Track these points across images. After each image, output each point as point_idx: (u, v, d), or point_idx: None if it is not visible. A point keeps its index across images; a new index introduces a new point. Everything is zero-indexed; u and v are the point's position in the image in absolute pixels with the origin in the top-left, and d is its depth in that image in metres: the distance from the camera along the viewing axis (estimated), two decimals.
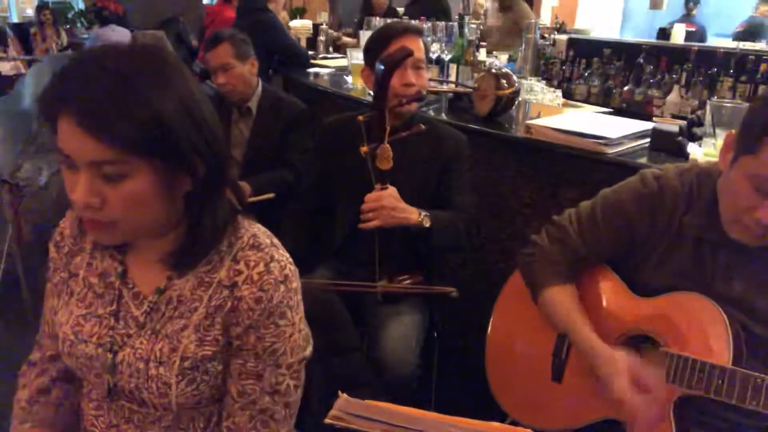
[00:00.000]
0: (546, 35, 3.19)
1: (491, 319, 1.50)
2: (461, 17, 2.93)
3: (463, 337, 2.10)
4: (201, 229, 0.89)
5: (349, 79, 3.22)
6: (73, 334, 0.95)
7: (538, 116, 2.14)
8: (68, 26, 7.90)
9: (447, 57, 2.76)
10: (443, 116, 2.36)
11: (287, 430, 0.97)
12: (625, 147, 1.82)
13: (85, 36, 7.10)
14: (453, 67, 2.82)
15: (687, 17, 5.56)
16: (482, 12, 4.31)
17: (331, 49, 4.50)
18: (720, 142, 1.64)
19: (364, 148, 1.58)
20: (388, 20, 3.41)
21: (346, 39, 4.66)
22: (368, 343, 1.72)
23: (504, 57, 3.13)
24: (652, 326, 1.23)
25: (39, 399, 1.04)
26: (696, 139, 1.84)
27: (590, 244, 1.31)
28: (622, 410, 1.20)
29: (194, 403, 0.93)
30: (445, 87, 2.68)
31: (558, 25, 3.53)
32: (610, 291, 1.32)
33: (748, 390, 1.06)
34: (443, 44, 2.75)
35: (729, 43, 3.82)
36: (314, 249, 1.90)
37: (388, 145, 1.56)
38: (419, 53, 1.70)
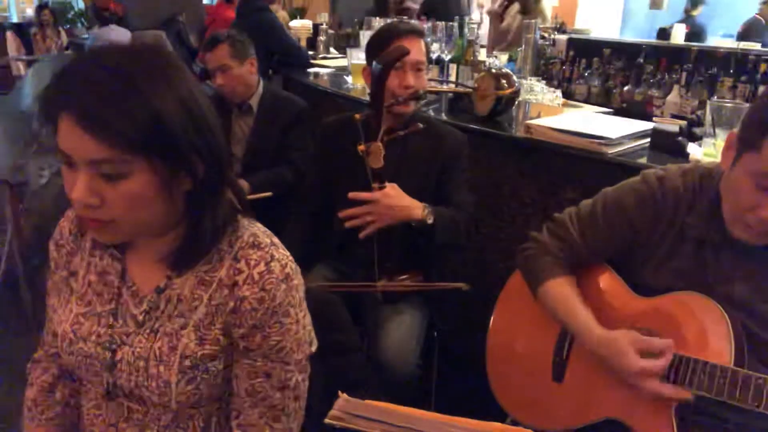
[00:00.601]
0: (546, 35, 3.19)
1: (491, 319, 1.50)
2: (461, 17, 2.93)
3: (463, 337, 2.09)
4: (201, 228, 0.89)
5: (349, 79, 3.22)
6: (72, 332, 0.95)
7: (538, 116, 2.14)
8: (68, 26, 7.91)
9: (447, 57, 2.76)
10: (443, 116, 2.36)
11: (298, 422, 0.98)
12: (625, 147, 1.82)
13: (85, 36, 7.10)
14: (453, 67, 2.82)
15: (688, 18, 5.55)
16: (482, 12, 4.31)
17: (331, 49, 4.49)
18: (720, 142, 1.64)
19: (360, 147, 1.59)
20: (388, 20, 3.41)
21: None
22: (368, 343, 1.73)
23: (504, 57, 3.13)
24: (654, 326, 1.23)
25: (45, 398, 1.06)
26: (696, 139, 1.84)
27: (590, 242, 1.31)
28: (627, 409, 1.20)
29: (194, 402, 0.93)
30: (445, 87, 2.68)
31: (558, 25, 3.53)
32: (611, 290, 1.32)
33: (749, 391, 1.06)
34: (443, 44, 2.75)
35: (729, 43, 3.83)
36: (314, 248, 1.90)
37: (380, 144, 1.57)
38: (419, 55, 1.70)
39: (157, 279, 0.94)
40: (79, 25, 8.23)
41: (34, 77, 4.40)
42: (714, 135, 1.72)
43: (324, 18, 5.31)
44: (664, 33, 4.34)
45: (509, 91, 2.20)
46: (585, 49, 2.96)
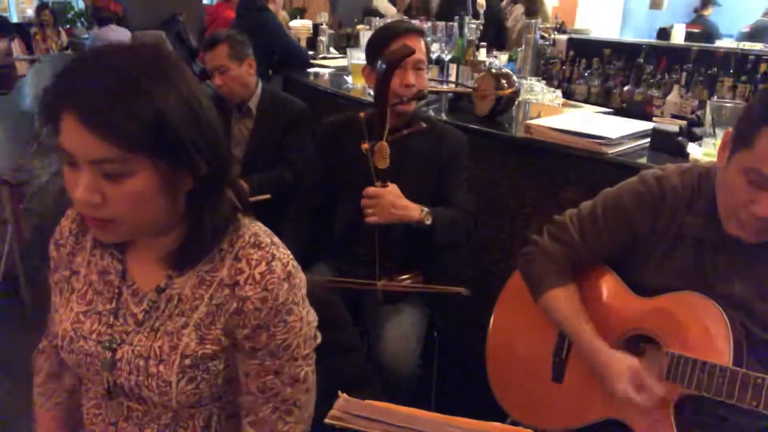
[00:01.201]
0: (546, 35, 3.19)
1: (492, 319, 1.50)
2: (461, 17, 2.92)
3: (463, 337, 2.10)
4: (202, 227, 0.89)
5: (349, 79, 3.22)
6: (72, 331, 0.95)
7: (538, 116, 2.14)
8: (68, 26, 7.91)
9: (447, 57, 2.76)
10: (443, 116, 2.36)
11: (309, 413, 0.99)
12: (625, 147, 1.82)
13: (85, 36, 7.10)
14: (453, 67, 2.82)
15: (699, 18, 5.53)
16: (482, 12, 4.30)
17: (331, 49, 4.49)
18: (720, 142, 1.64)
19: (365, 145, 1.59)
20: (388, 20, 3.41)
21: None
22: (368, 342, 1.73)
23: (504, 57, 3.13)
24: (653, 326, 1.23)
25: (52, 383, 1.09)
26: (696, 139, 1.84)
27: (591, 243, 1.31)
28: (627, 409, 1.20)
29: (194, 401, 0.93)
30: (445, 87, 2.68)
31: (558, 25, 3.53)
32: (610, 291, 1.32)
33: (748, 390, 1.06)
34: (443, 44, 2.75)
35: (729, 43, 3.83)
36: (314, 247, 1.90)
37: (386, 144, 1.57)
38: (420, 54, 1.70)
39: (157, 278, 0.94)
40: (79, 25, 8.23)
41: (34, 77, 4.41)
42: (714, 135, 1.72)
43: (324, 18, 5.31)
44: (664, 33, 4.34)
45: (509, 91, 2.20)
46: (585, 49, 2.96)
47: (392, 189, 1.62)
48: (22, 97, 4.04)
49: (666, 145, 1.81)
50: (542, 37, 3.11)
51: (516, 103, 2.30)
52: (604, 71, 2.79)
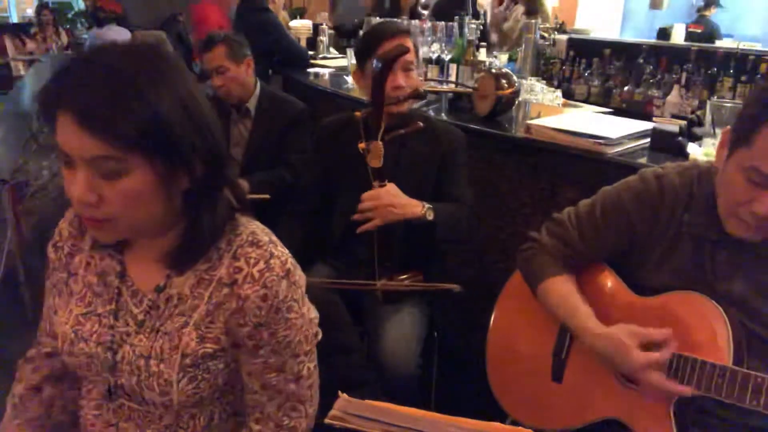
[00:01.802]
0: (546, 35, 3.19)
1: (491, 319, 1.50)
2: (461, 17, 2.92)
3: (463, 337, 2.10)
4: (199, 227, 0.89)
5: (349, 79, 3.22)
6: (73, 333, 0.95)
7: (538, 116, 2.14)
8: (68, 26, 7.91)
9: (447, 57, 2.76)
10: (443, 116, 2.36)
11: (314, 408, 1.00)
12: (625, 147, 1.82)
13: (85, 36, 7.10)
14: (453, 67, 2.82)
15: (701, 18, 5.52)
16: (482, 12, 4.30)
17: (331, 49, 4.49)
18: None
19: (361, 144, 1.59)
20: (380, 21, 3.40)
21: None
22: (368, 343, 1.72)
23: (504, 57, 3.12)
24: (652, 326, 1.22)
25: (31, 397, 1.05)
26: (696, 139, 1.84)
27: (589, 242, 1.31)
28: (627, 409, 1.20)
29: (195, 401, 0.93)
30: (445, 87, 2.68)
31: (558, 25, 3.53)
32: (609, 290, 1.32)
33: (748, 390, 1.06)
34: (443, 44, 2.75)
35: (729, 43, 3.82)
36: (313, 248, 1.90)
37: (380, 143, 1.57)
38: (409, 54, 1.70)
39: (156, 278, 0.94)
40: (79, 25, 8.22)
41: (34, 77, 4.41)
42: (714, 135, 1.72)
43: (324, 18, 5.31)
44: (664, 33, 4.34)
45: (509, 91, 2.20)
46: (585, 49, 2.96)
47: (390, 188, 1.62)
48: (21, 97, 4.04)
49: (666, 145, 1.81)
50: (542, 37, 3.11)
51: (516, 103, 2.30)
52: (604, 71, 2.79)
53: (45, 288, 1.04)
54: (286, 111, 2.56)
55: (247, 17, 3.79)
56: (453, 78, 2.78)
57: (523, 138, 2.01)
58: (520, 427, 0.70)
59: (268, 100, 2.58)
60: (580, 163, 1.85)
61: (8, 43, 7.12)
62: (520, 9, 4.18)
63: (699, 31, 4.69)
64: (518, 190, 2.12)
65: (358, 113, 1.64)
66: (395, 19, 3.76)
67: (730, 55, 2.39)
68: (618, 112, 2.43)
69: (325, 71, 3.76)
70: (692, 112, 2.18)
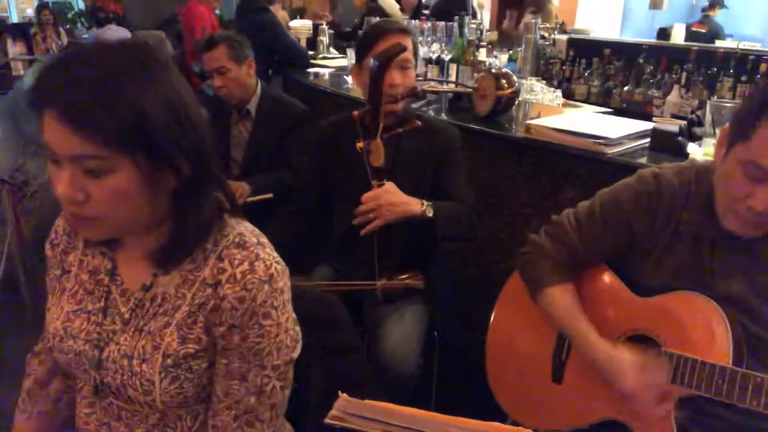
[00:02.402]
0: (546, 35, 3.19)
1: (491, 319, 1.50)
2: (461, 17, 2.92)
3: (463, 337, 2.10)
4: (185, 226, 0.89)
5: (349, 79, 3.22)
6: (63, 330, 0.95)
7: (538, 116, 2.14)
8: (68, 26, 7.91)
9: (447, 57, 2.76)
10: (443, 116, 2.36)
11: (273, 431, 0.96)
12: (625, 147, 1.82)
13: (85, 36, 7.11)
14: (453, 67, 2.82)
15: (706, 19, 5.52)
16: (481, 12, 4.30)
17: (331, 49, 4.49)
18: None
19: (360, 144, 1.59)
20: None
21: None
22: (368, 343, 1.72)
23: (504, 57, 3.12)
24: (652, 326, 1.23)
25: (39, 391, 1.07)
26: (696, 139, 1.84)
27: (588, 243, 1.31)
28: (631, 407, 1.20)
29: (179, 401, 0.92)
30: (445, 87, 2.68)
31: (558, 25, 3.53)
32: (609, 291, 1.32)
33: (748, 390, 1.06)
34: (443, 44, 2.75)
35: (729, 43, 3.82)
36: (313, 248, 1.90)
37: (380, 142, 1.57)
38: (407, 53, 1.70)
39: (143, 276, 0.94)
40: (79, 25, 8.23)
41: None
42: (714, 135, 1.72)
43: (325, 17, 5.32)
44: (664, 33, 4.34)
45: (509, 91, 2.21)
46: (585, 49, 2.96)
47: (389, 187, 1.62)
48: (21, 97, 4.04)
49: (666, 145, 1.81)
50: (542, 37, 3.11)
51: (516, 103, 2.30)
52: (604, 71, 2.79)
53: (46, 285, 1.04)
54: (287, 113, 2.55)
55: (247, 17, 3.79)
56: (453, 78, 2.78)
57: (523, 138, 2.01)
58: (520, 427, 0.70)
59: (269, 101, 2.57)
60: (580, 163, 1.85)
61: (8, 43, 7.12)
62: (528, 18, 4.17)
63: (703, 31, 4.70)
64: (518, 190, 2.12)
65: (355, 112, 1.64)
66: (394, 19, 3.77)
67: (730, 55, 2.39)
68: (618, 112, 2.43)
69: (325, 71, 3.76)
70: (692, 112, 2.18)
